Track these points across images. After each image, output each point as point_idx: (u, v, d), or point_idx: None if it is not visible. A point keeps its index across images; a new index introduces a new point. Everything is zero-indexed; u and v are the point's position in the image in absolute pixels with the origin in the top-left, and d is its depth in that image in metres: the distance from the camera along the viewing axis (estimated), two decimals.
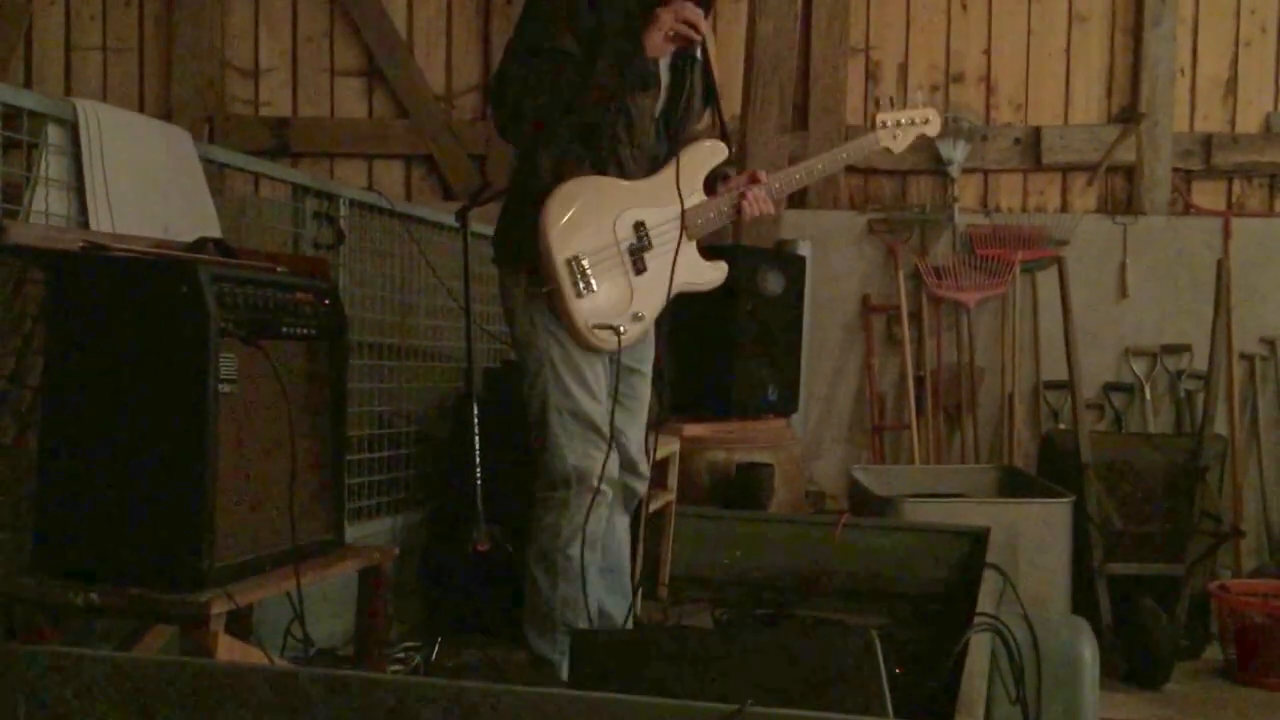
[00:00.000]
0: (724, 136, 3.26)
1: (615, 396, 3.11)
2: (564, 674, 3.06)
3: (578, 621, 3.09)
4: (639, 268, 3.07)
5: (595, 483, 3.05)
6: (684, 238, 3.11)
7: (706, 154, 3.21)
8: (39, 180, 2.83)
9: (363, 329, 4.20)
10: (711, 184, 3.24)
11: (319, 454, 2.91)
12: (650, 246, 3.08)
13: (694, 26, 3.00)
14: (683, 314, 3.38)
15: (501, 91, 3.00)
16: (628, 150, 3.10)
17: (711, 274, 3.23)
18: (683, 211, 3.10)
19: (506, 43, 3.08)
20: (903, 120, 3.42)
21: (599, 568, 3.20)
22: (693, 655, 2.32)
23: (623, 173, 3.10)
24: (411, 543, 4.28)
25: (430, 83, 6.16)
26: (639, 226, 3.07)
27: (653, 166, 3.16)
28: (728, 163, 3.28)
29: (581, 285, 2.99)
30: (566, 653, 3.04)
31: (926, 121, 3.46)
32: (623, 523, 3.36)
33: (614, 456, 3.13)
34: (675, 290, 3.13)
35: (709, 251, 3.22)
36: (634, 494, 3.36)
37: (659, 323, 3.27)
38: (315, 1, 6.21)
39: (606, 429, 3.09)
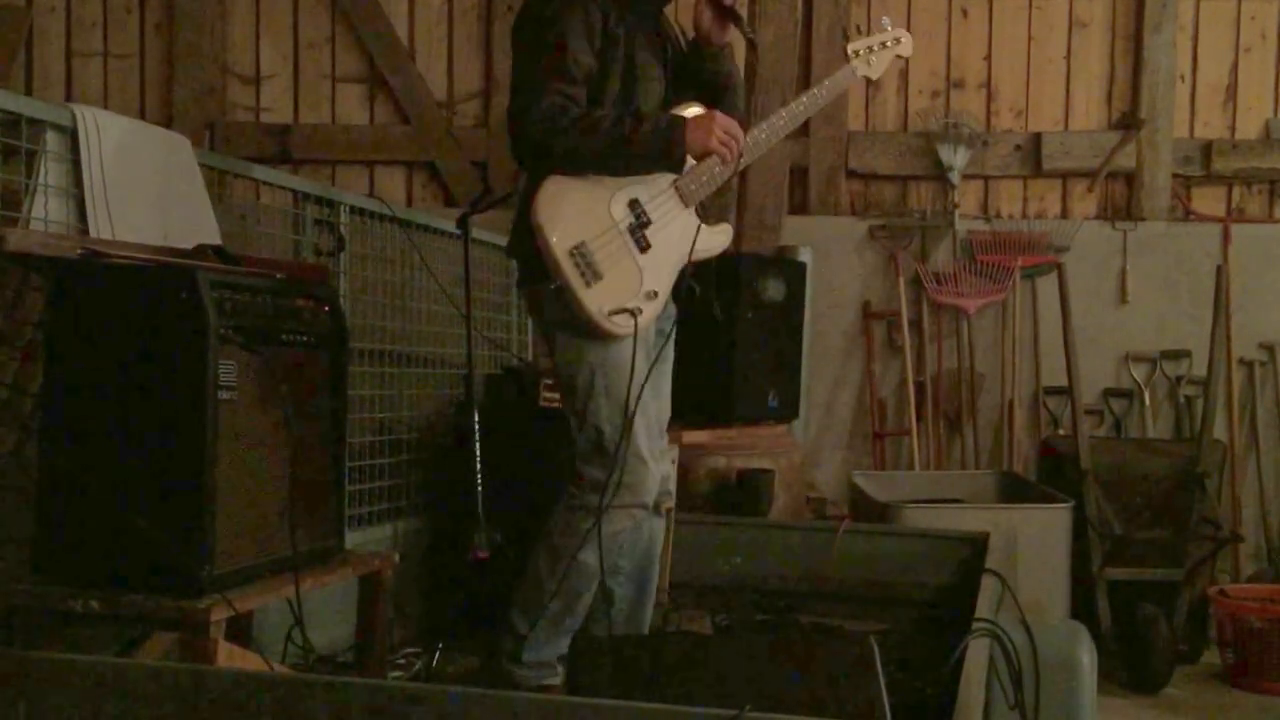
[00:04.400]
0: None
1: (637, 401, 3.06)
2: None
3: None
4: (642, 245, 3.02)
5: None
6: (682, 206, 3.08)
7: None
8: (38, 187, 2.84)
9: (363, 335, 4.21)
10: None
11: (319, 460, 2.92)
12: (649, 222, 3.03)
13: (735, 151, 3.02)
14: (684, 320, 3.33)
15: (526, 128, 2.93)
16: None
17: (718, 239, 3.19)
18: (675, 181, 3.07)
19: (520, 63, 3.04)
20: (874, 45, 3.36)
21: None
22: (692, 660, 2.33)
23: None
24: (412, 549, 4.29)
25: (432, 89, 6.16)
26: (634, 204, 3.02)
27: None
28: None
29: (589, 275, 2.93)
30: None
31: (899, 41, 3.39)
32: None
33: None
34: (684, 260, 3.10)
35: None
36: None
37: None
38: (316, 8, 6.21)
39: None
